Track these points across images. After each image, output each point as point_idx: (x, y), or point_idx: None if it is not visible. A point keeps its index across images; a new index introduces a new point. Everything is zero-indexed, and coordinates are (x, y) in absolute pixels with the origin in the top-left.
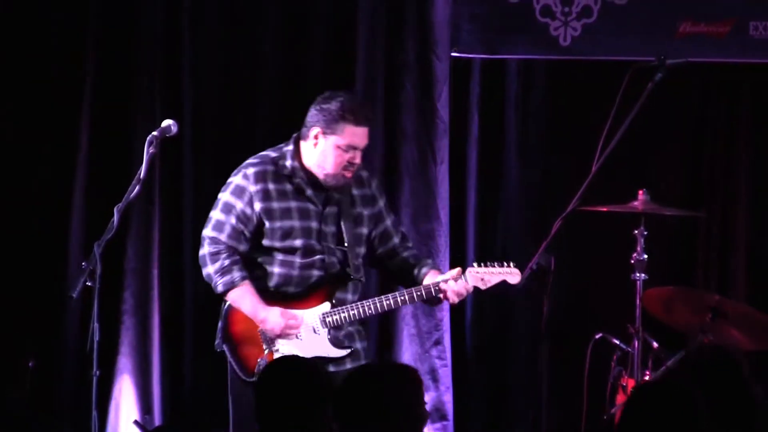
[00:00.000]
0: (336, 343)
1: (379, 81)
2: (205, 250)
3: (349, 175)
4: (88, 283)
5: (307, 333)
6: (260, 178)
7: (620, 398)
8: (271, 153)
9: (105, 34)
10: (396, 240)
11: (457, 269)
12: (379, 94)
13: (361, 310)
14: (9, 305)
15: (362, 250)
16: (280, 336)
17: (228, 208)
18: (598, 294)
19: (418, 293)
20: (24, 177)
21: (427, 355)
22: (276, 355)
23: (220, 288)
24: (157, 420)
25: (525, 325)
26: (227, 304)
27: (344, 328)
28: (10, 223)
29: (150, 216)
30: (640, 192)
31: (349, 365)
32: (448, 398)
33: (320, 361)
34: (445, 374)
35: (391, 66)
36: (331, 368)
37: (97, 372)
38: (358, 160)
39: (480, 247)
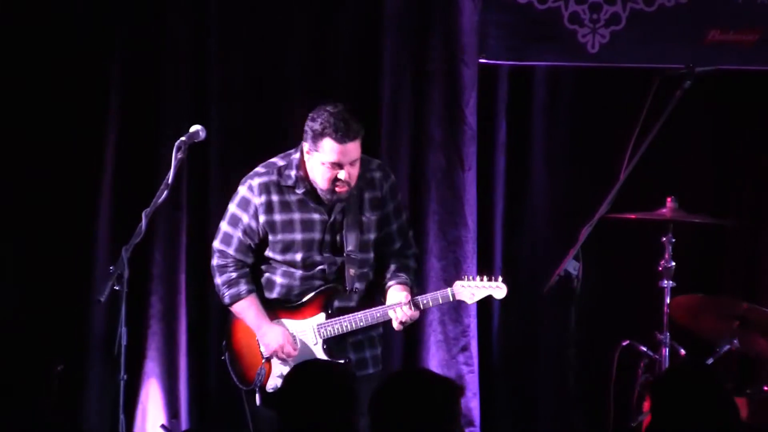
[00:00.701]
0: (332, 353)
1: (407, 88)
2: (214, 261)
3: (340, 190)
4: (116, 288)
5: (302, 343)
6: (264, 189)
7: (647, 405)
8: (279, 161)
9: (132, 39)
10: (396, 245)
11: (406, 295)
12: (406, 101)
13: (352, 322)
14: (36, 309)
15: (370, 255)
16: (273, 356)
17: (235, 221)
18: (625, 301)
19: (378, 314)
20: (51, 181)
21: (454, 361)
22: (273, 363)
23: (226, 300)
24: (184, 424)
25: (552, 332)
26: (231, 313)
27: (352, 337)
28: (38, 227)
29: (177, 221)
30: (668, 199)
31: (356, 373)
32: (474, 404)
33: None
34: (472, 380)
35: (418, 73)
36: None
37: (125, 376)
38: (345, 177)
39: (507, 253)
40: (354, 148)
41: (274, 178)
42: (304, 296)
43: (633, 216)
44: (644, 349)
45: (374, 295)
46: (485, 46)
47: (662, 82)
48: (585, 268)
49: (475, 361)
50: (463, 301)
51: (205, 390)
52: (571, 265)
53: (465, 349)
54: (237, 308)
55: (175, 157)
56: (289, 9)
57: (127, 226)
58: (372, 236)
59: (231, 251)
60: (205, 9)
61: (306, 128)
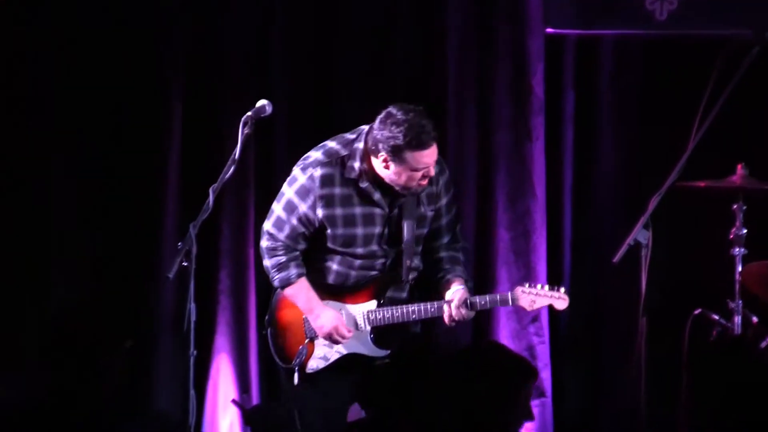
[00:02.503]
0: (379, 342)
1: (473, 59)
2: (263, 243)
3: (425, 183)
4: (184, 264)
5: (351, 329)
6: (327, 181)
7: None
8: (341, 150)
9: (198, 15)
10: (444, 239)
11: (461, 295)
12: (473, 73)
13: (404, 313)
14: (106, 286)
15: (419, 249)
16: (326, 337)
17: (291, 208)
18: (696, 269)
19: (432, 309)
20: (118, 158)
21: (525, 332)
22: (317, 344)
23: (276, 283)
24: (255, 399)
25: (623, 302)
26: (276, 290)
27: (405, 333)
28: (106, 205)
29: (245, 196)
30: (739, 166)
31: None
32: (546, 375)
33: (362, 359)
34: (543, 351)
35: (485, 44)
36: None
37: (194, 352)
38: (432, 172)
39: (577, 223)
40: (435, 146)
41: (337, 170)
42: (358, 284)
43: (703, 184)
44: (716, 317)
45: (423, 289)
46: (551, 16)
47: (731, 49)
48: (655, 237)
49: (546, 331)
50: (522, 308)
51: (275, 364)
52: (641, 234)
53: (536, 320)
54: (287, 292)
55: (241, 132)
56: None
57: (195, 202)
58: (425, 231)
59: (281, 236)
60: None
61: (383, 139)
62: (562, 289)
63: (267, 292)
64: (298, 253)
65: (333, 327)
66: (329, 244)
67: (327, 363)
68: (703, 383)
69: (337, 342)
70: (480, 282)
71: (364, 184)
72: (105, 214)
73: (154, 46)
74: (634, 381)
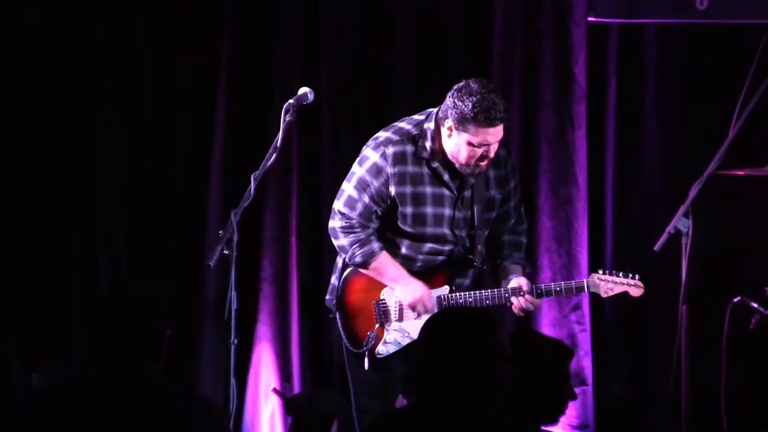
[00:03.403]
0: None
1: (517, 47)
2: (336, 223)
3: (483, 164)
4: (226, 252)
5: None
6: (399, 159)
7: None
8: (412, 129)
9: (243, 1)
10: (510, 222)
11: (525, 283)
12: (516, 60)
13: (478, 299)
14: (146, 273)
15: (487, 233)
16: (411, 306)
17: (362, 186)
18: (736, 257)
19: (506, 295)
20: (162, 145)
21: (566, 320)
22: (387, 330)
23: (358, 259)
24: (297, 387)
25: (663, 289)
26: (347, 271)
27: None
28: (148, 193)
29: (288, 184)
30: None
31: None
32: (587, 363)
33: None
34: (584, 339)
35: (528, 32)
36: None
37: (235, 340)
38: (492, 154)
39: (618, 211)
40: (501, 129)
41: (409, 148)
42: (425, 267)
43: (742, 173)
44: (756, 305)
45: (485, 274)
46: (594, 4)
47: None
48: (695, 225)
49: (587, 319)
50: (597, 294)
51: (317, 353)
52: (682, 223)
53: (577, 308)
54: (372, 265)
55: (283, 119)
56: None
57: (238, 189)
58: (494, 215)
59: (354, 215)
60: None
61: (452, 106)
62: (637, 276)
63: (309, 280)
64: (372, 230)
65: (417, 298)
66: (399, 224)
67: (398, 348)
68: (743, 371)
69: (419, 313)
70: None
71: (435, 164)
72: (148, 202)
73: (198, 33)
74: (674, 369)
